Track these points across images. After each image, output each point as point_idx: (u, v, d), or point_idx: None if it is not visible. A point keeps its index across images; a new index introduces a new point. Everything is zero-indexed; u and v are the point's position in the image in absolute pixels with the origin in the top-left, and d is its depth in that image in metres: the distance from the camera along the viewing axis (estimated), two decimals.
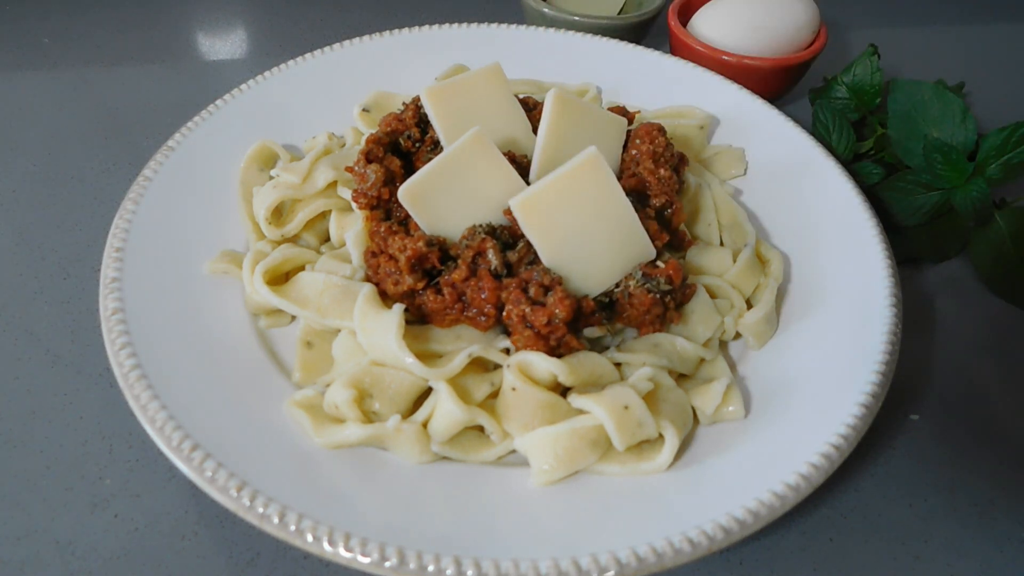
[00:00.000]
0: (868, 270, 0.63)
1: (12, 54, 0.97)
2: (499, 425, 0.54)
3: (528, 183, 0.62)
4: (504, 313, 0.55)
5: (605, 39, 0.88)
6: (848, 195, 0.70)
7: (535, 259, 0.58)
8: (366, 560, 0.45)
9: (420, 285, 0.57)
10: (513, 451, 0.55)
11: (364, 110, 0.78)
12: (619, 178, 0.64)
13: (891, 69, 0.95)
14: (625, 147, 0.67)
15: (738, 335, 0.63)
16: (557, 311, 0.53)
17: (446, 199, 0.59)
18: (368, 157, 0.63)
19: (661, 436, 0.53)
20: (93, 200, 0.78)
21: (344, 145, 0.75)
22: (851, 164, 0.80)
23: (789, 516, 0.52)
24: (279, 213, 0.68)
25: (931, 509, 0.58)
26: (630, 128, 0.68)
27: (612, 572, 0.45)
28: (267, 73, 0.79)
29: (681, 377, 0.60)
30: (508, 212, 0.58)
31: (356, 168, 0.63)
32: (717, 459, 0.54)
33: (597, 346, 0.59)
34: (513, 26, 0.89)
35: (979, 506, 0.58)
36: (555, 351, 0.54)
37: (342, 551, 0.45)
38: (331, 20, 1.08)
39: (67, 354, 0.64)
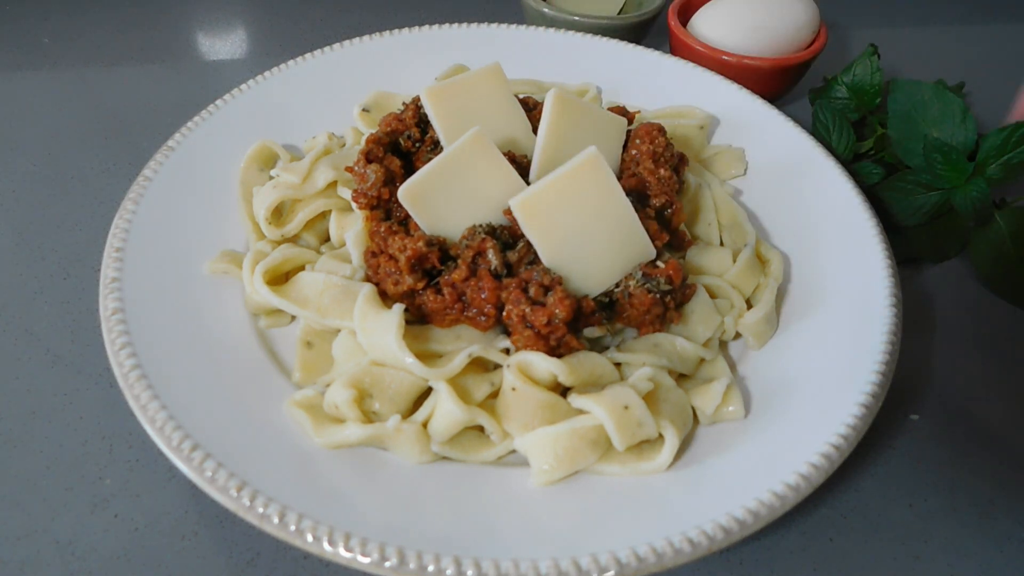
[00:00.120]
0: (868, 270, 0.63)
1: (12, 54, 0.97)
2: (499, 425, 0.54)
3: (528, 183, 0.62)
4: (504, 313, 0.55)
5: (605, 39, 0.88)
6: (848, 195, 0.70)
7: (535, 259, 0.58)
8: (366, 560, 0.45)
9: (420, 285, 0.57)
10: (513, 451, 0.55)
11: (364, 110, 0.78)
12: (619, 178, 0.64)
13: (891, 69, 0.95)
14: (625, 147, 0.67)
15: (738, 335, 0.63)
16: (557, 311, 0.53)
17: (446, 199, 0.59)
18: (368, 157, 0.63)
19: (661, 436, 0.53)
20: (93, 200, 0.78)
21: (344, 145, 0.75)
22: (851, 164, 0.80)
23: (789, 516, 0.52)
24: (279, 213, 0.68)
25: (931, 509, 0.58)
26: (630, 128, 0.68)
27: (612, 572, 0.45)
28: (267, 73, 0.79)
29: (681, 377, 0.60)
30: (508, 212, 0.58)
31: (356, 168, 0.63)
32: (717, 459, 0.54)
33: (597, 346, 0.59)
34: (513, 26, 0.89)
35: (979, 506, 0.58)
36: (555, 351, 0.54)
37: (342, 551, 0.45)
38: (331, 20, 1.08)
39: (67, 354, 0.64)
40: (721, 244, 0.70)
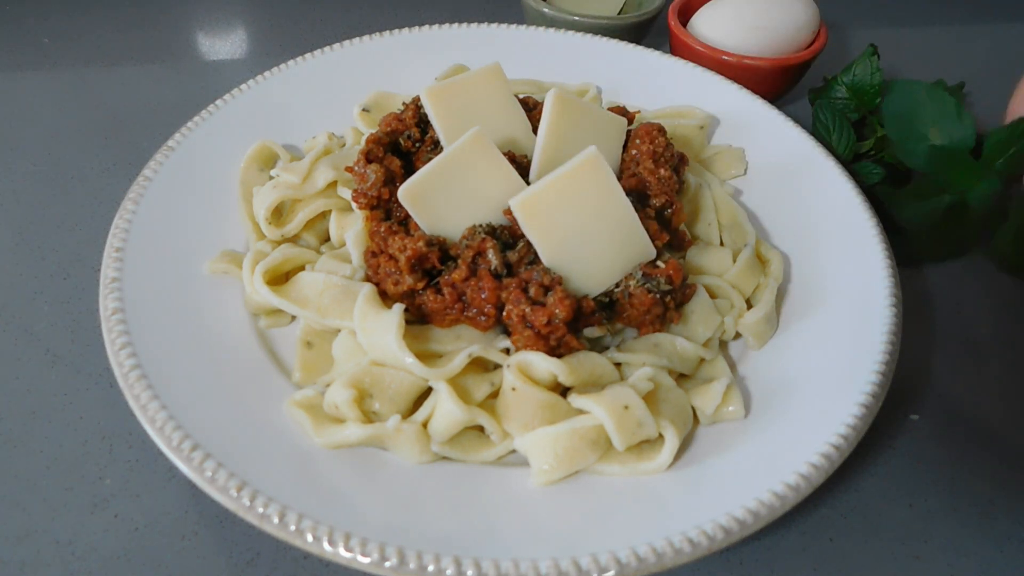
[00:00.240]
0: (868, 270, 0.63)
1: (12, 54, 0.97)
2: (499, 425, 0.54)
3: (528, 183, 0.62)
4: (504, 313, 0.55)
5: (605, 39, 0.88)
6: (848, 195, 0.70)
7: (535, 259, 0.58)
8: (366, 560, 0.45)
9: (420, 285, 0.57)
10: (513, 451, 0.55)
11: (364, 110, 0.78)
12: (619, 178, 0.64)
13: (891, 69, 0.95)
14: (625, 147, 0.67)
15: (738, 335, 0.63)
16: (557, 311, 0.53)
17: (446, 199, 0.59)
18: (368, 157, 0.63)
19: (661, 436, 0.53)
20: (93, 200, 0.78)
21: (344, 145, 0.75)
22: (851, 164, 0.80)
23: (789, 516, 0.52)
24: (279, 213, 0.68)
25: (931, 509, 0.58)
26: (630, 128, 0.68)
27: (612, 572, 0.45)
28: (267, 73, 0.79)
29: (681, 377, 0.60)
30: (508, 212, 0.58)
31: (356, 168, 0.63)
32: (717, 459, 0.54)
33: (597, 346, 0.59)
34: (513, 26, 0.89)
35: (979, 506, 0.58)
36: (555, 351, 0.54)
37: (342, 551, 0.45)
38: (331, 20, 1.08)
39: (67, 354, 0.64)
40: (721, 244, 0.70)
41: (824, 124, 0.82)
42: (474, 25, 0.88)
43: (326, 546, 0.45)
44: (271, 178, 0.70)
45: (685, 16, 0.94)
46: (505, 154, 0.61)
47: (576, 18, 0.91)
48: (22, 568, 0.51)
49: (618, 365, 0.57)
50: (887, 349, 0.57)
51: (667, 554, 0.45)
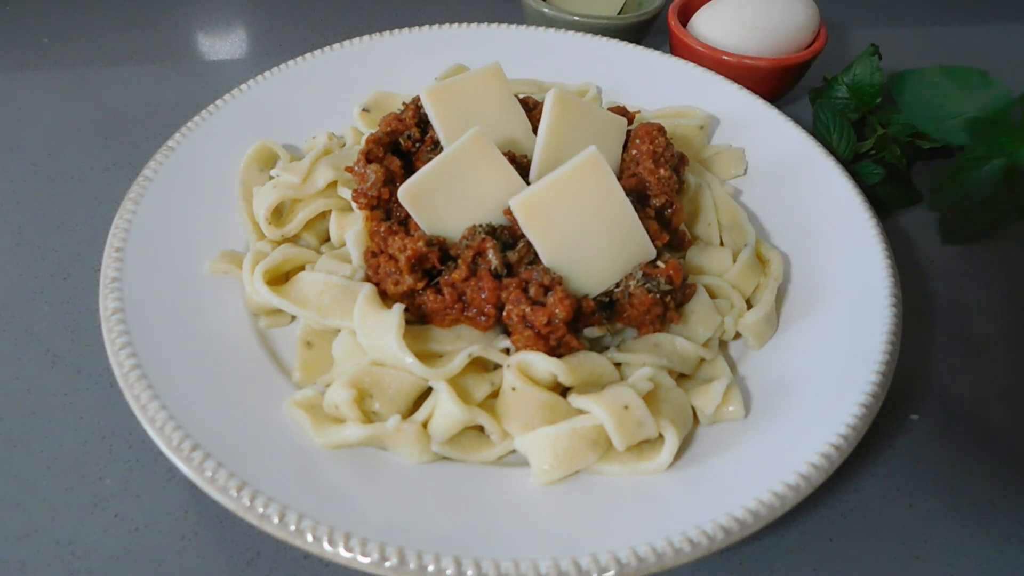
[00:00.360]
0: (868, 270, 0.63)
1: (12, 54, 0.97)
2: (499, 425, 0.54)
3: (528, 183, 0.62)
4: (504, 313, 0.55)
5: (605, 39, 0.88)
6: (848, 195, 0.70)
7: (535, 259, 0.58)
8: (366, 560, 0.45)
9: (420, 285, 0.57)
10: (513, 451, 0.55)
11: (364, 110, 0.78)
12: (619, 178, 0.64)
13: (891, 69, 0.94)
14: (625, 147, 0.67)
15: (738, 335, 0.63)
16: (557, 311, 0.53)
17: (446, 199, 0.59)
18: (368, 157, 0.63)
19: (661, 436, 0.53)
20: (93, 200, 0.78)
21: (344, 145, 0.75)
22: (851, 164, 0.80)
23: (789, 516, 0.52)
24: (279, 213, 0.68)
25: (931, 509, 0.58)
26: (630, 128, 0.68)
27: (612, 572, 0.45)
28: (267, 73, 0.79)
29: (681, 377, 0.60)
30: (508, 212, 0.58)
31: (356, 168, 0.63)
32: (717, 459, 0.54)
33: (597, 346, 0.59)
34: (513, 26, 0.89)
35: (979, 506, 0.58)
36: (555, 351, 0.54)
37: (342, 551, 0.45)
38: (331, 20, 1.08)
39: (67, 354, 0.64)
40: (721, 244, 0.70)
41: (824, 124, 0.82)
42: (474, 25, 0.88)
43: (326, 546, 0.45)
44: (271, 178, 0.70)
45: (685, 16, 0.94)
46: (505, 154, 0.61)
47: (576, 18, 0.91)
48: (22, 568, 0.51)
49: (618, 365, 0.57)
50: (887, 349, 0.57)
51: (667, 554, 0.45)
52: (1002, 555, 0.55)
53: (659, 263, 0.59)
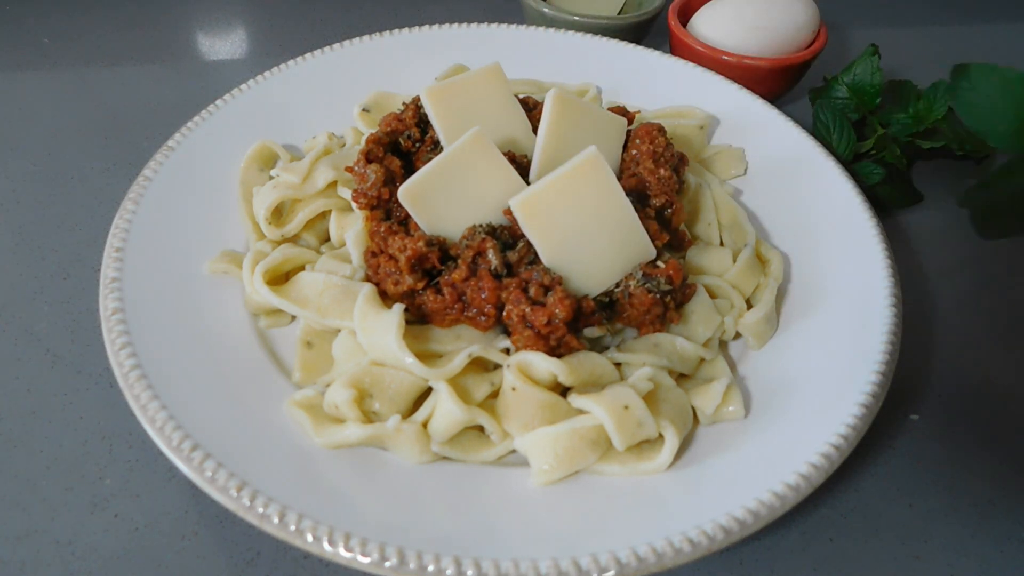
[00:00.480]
0: (868, 270, 0.63)
1: (12, 54, 0.97)
2: (499, 425, 0.54)
3: (528, 183, 0.62)
4: (504, 313, 0.55)
5: (605, 39, 0.88)
6: (848, 195, 0.70)
7: (535, 259, 0.58)
8: (366, 560, 0.45)
9: (420, 285, 0.57)
10: (513, 451, 0.55)
11: (364, 110, 0.78)
12: (619, 178, 0.64)
13: (891, 69, 0.95)
14: (625, 147, 0.67)
15: (738, 335, 0.63)
16: (557, 311, 0.53)
17: (446, 199, 0.59)
18: (368, 157, 0.63)
19: (661, 436, 0.53)
20: (93, 200, 0.78)
21: (344, 145, 0.75)
22: (851, 164, 0.80)
23: (789, 516, 0.52)
24: (279, 213, 0.68)
25: (931, 509, 0.58)
26: (630, 128, 0.68)
27: (612, 572, 0.45)
28: (267, 73, 0.79)
29: (681, 377, 0.60)
30: (508, 212, 0.58)
31: (356, 168, 0.63)
32: (717, 459, 0.54)
33: (597, 346, 0.59)
34: (513, 26, 0.89)
35: (979, 506, 0.58)
36: (555, 351, 0.54)
37: (342, 551, 0.45)
38: (331, 20, 1.08)
39: (67, 354, 0.64)
40: (721, 244, 0.70)
41: (824, 124, 0.82)
42: (474, 25, 0.88)
43: (326, 546, 0.45)
44: (271, 178, 0.70)
45: (685, 16, 0.94)
46: (505, 154, 0.61)
47: (576, 18, 0.91)
48: (22, 568, 0.51)
49: (618, 365, 0.57)
50: (887, 349, 0.57)
51: (667, 554, 0.45)
52: (1002, 555, 0.55)
53: (659, 263, 0.59)
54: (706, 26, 0.89)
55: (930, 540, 0.56)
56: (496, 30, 0.88)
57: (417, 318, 0.58)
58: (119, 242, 0.61)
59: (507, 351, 0.56)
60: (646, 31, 0.96)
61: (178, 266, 0.62)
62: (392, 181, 0.62)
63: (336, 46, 0.83)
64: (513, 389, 0.53)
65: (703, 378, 0.60)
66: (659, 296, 0.57)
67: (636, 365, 0.57)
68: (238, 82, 0.77)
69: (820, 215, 0.70)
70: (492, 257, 0.56)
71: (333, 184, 0.68)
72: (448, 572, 0.44)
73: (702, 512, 0.48)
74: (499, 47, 0.86)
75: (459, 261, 0.57)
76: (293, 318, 0.62)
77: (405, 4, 1.11)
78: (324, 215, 0.68)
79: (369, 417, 0.54)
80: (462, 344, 0.57)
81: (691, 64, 0.85)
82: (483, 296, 0.56)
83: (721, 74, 0.83)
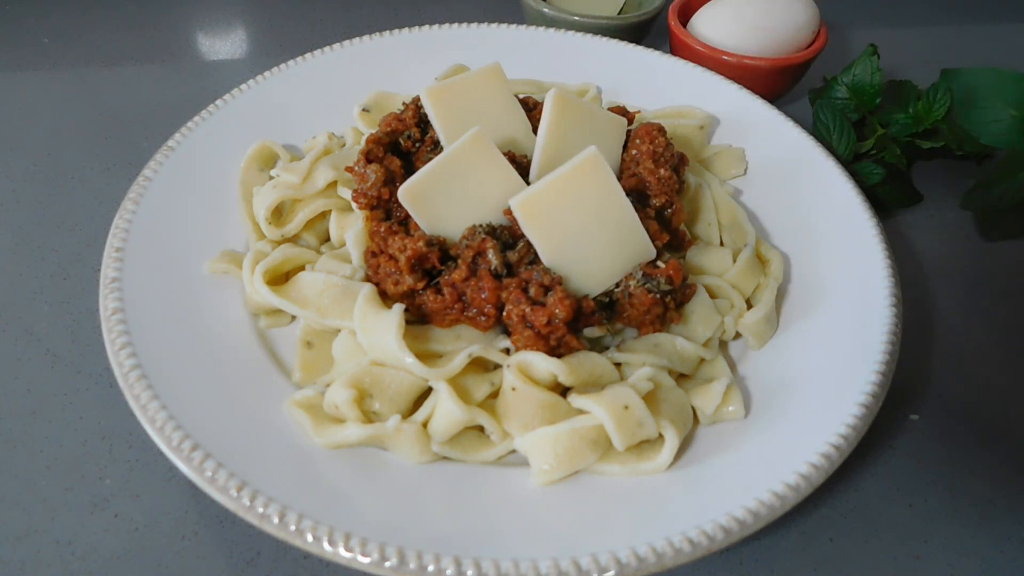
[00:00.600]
0: (868, 270, 0.63)
1: (12, 54, 0.97)
2: (499, 425, 0.54)
3: (528, 183, 0.62)
4: (504, 313, 0.55)
5: (605, 39, 0.88)
6: (848, 195, 0.70)
7: (535, 259, 0.58)
8: (366, 560, 0.45)
9: (420, 285, 0.57)
10: (513, 451, 0.55)
11: (364, 110, 0.78)
12: (619, 178, 0.64)
13: (891, 69, 0.95)
14: (625, 147, 0.67)
15: (738, 335, 0.63)
16: (557, 311, 0.53)
17: (446, 199, 0.59)
18: (368, 157, 0.63)
19: (661, 436, 0.53)
20: (93, 200, 0.78)
21: (344, 145, 0.75)
22: (851, 164, 0.80)
23: (789, 516, 0.52)
24: (279, 213, 0.68)
25: (931, 509, 0.58)
26: (630, 128, 0.68)
27: (612, 572, 0.45)
28: (267, 73, 0.79)
29: (681, 377, 0.60)
30: (508, 212, 0.58)
31: (356, 168, 0.63)
32: (717, 459, 0.54)
33: (597, 346, 0.59)
34: (513, 26, 0.89)
35: (979, 506, 0.58)
36: (555, 351, 0.54)
37: (342, 551, 0.45)
38: (331, 20, 1.08)
39: (67, 354, 0.64)
40: (721, 244, 0.70)
41: (824, 124, 0.82)
42: (474, 25, 0.88)
43: (326, 546, 0.45)
44: (271, 178, 0.70)
45: (685, 16, 0.94)
46: (505, 154, 0.61)
47: (576, 18, 0.91)
48: (22, 568, 0.51)
49: (618, 365, 0.57)
50: (887, 349, 0.57)
51: (667, 554, 0.45)
52: (1002, 555, 0.55)
53: (659, 263, 0.59)
54: (706, 26, 0.89)
55: (930, 540, 0.56)
56: (496, 30, 0.88)
57: (417, 318, 0.58)
58: (119, 242, 0.61)
59: (507, 351, 0.56)
60: (646, 31, 0.96)
61: (178, 266, 0.62)
62: (392, 181, 0.62)
63: (336, 46, 0.83)
64: (513, 389, 0.53)
65: (703, 378, 0.60)
66: (659, 296, 0.57)
67: (636, 365, 0.57)
68: (238, 82, 0.77)
69: (820, 215, 0.70)
70: (492, 257, 0.56)
71: (333, 184, 0.68)
72: (448, 572, 0.44)
73: (702, 512, 0.48)
74: (499, 47, 0.86)
75: (459, 261, 0.57)
76: (293, 318, 0.62)
77: (405, 4, 1.11)
78: (324, 215, 0.68)
79: (369, 417, 0.54)
80: (462, 344, 0.57)
81: (691, 64, 0.85)
82: (483, 296, 0.55)
83: (721, 74, 0.83)
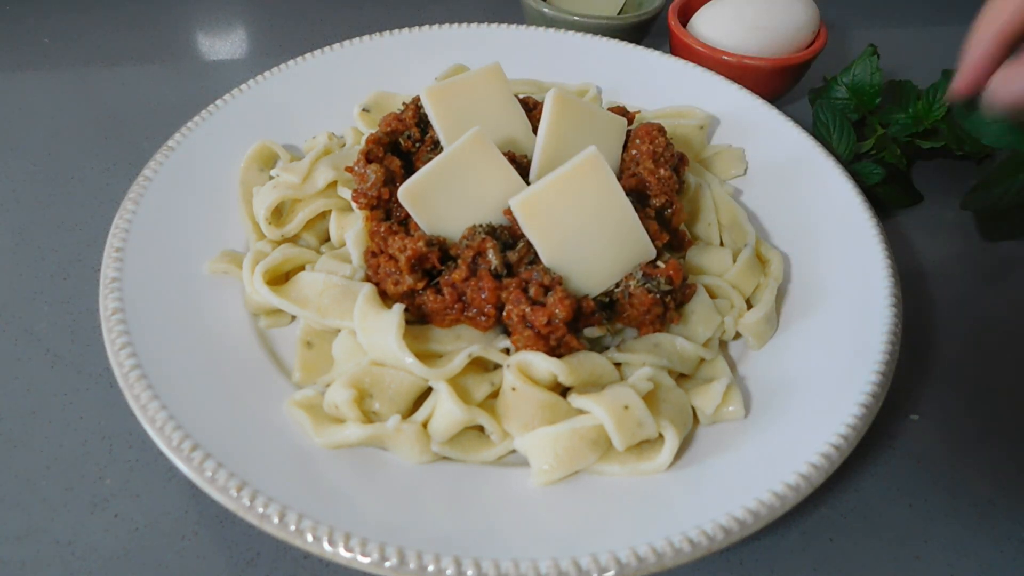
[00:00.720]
0: (868, 270, 0.63)
1: (12, 54, 0.97)
2: (499, 425, 0.54)
3: (528, 183, 0.62)
4: (504, 313, 0.55)
5: (605, 39, 0.88)
6: (848, 195, 0.70)
7: (535, 259, 0.58)
8: (366, 560, 0.45)
9: (420, 285, 0.57)
10: (513, 451, 0.55)
11: (364, 110, 0.78)
12: (619, 178, 0.64)
13: (891, 69, 0.95)
14: (625, 147, 0.67)
15: (738, 335, 0.63)
16: (557, 311, 0.53)
17: (446, 199, 0.59)
18: (368, 157, 0.63)
19: (661, 436, 0.53)
20: (93, 200, 0.78)
21: (344, 145, 0.75)
22: (851, 164, 0.80)
23: (789, 516, 0.52)
24: (279, 213, 0.68)
25: (931, 509, 0.58)
26: (630, 128, 0.68)
27: (612, 572, 0.45)
28: (267, 73, 0.79)
29: (681, 377, 0.60)
30: (508, 212, 0.58)
31: (356, 168, 0.63)
32: (717, 459, 0.54)
33: (597, 346, 0.59)
34: (513, 26, 0.89)
35: (979, 506, 0.58)
36: (555, 351, 0.54)
37: (342, 551, 0.45)
38: (331, 20, 1.08)
39: (67, 354, 0.64)
40: (721, 244, 0.70)
41: (824, 124, 0.82)
42: (474, 25, 0.88)
43: (326, 546, 0.45)
44: (271, 178, 0.70)
45: (685, 16, 0.94)
46: (505, 154, 0.61)
47: (576, 18, 0.91)
48: (22, 568, 0.51)
49: (618, 365, 0.57)
50: (887, 349, 0.57)
51: (667, 554, 0.45)
52: (1002, 555, 0.55)
53: (659, 263, 0.59)
54: (706, 26, 0.89)
55: (930, 540, 0.56)
56: (496, 30, 0.88)
57: (417, 318, 0.58)
58: (119, 242, 0.61)
59: (507, 351, 0.56)
60: (646, 31, 0.96)
61: (178, 266, 0.62)
62: (392, 181, 0.62)
63: (336, 46, 0.83)
64: (513, 389, 0.53)
65: (703, 378, 0.60)
66: (659, 296, 0.57)
67: (636, 365, 0.57)
68: (238, 82, 0.77)
69: (820, 215, 0.70)
70: (492, 257, 0.56)
71: (333, 184, 0.68)
72: (448, 572, 0.44)
73: (702, 512, 0.48)
74: (499, 47, 0.86)
75: (459, 261, 0.57)
76: (293, 318, 0.62)
77: (405, 4, 1.11)
78: (324, 215, 0.68)
79: (369, 417, 0.54)
80: (462, 344, 0.57)
81: (691, 64, 0.85)
82: (483, 296, 0.56)
83: (721, 74, 0.83)
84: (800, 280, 0.67)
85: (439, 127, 0.65)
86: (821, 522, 0.57)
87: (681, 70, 0.85)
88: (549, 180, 0.56)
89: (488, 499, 0.51)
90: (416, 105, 0.69)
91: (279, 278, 0.63)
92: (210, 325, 0.59)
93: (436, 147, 0.66)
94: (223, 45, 1.02)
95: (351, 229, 0.63)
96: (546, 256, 0.56)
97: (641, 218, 0.59)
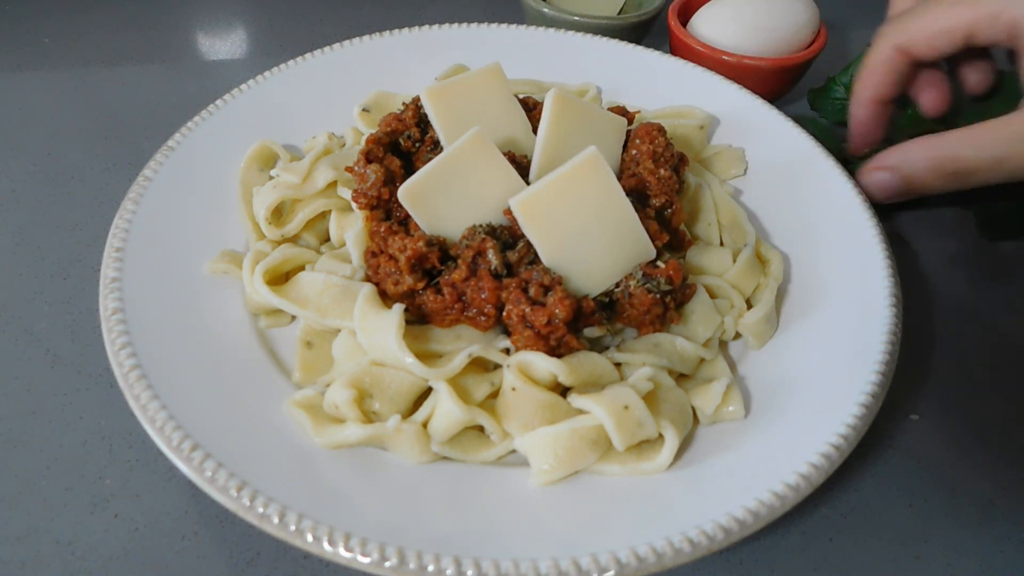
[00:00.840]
0: (868, 270, 0.63)
1: (12, 54, 0.97)
2: (499, 425, 0.54)
3: (528, 183, 0.62)
4: (504, 313, 0.55)
5: (605, 39, 0.88)
6: (848, 195, 0.70)
7: (535, 259, 0.58)
8: (366, 560, 0.45)
9: (420, 285, 0.57)
10: (513, 451, 0.55)
11: (364, 110, 0.78)
12: (619, 178, 0.64)
13: None
14: (625, 147, 0.67)
15: (738, 335, 0.63)
16: (557, 311, 0.53)
17: (446, 199, 0.59)
18: (368, 157, 0.63)
19: (661, 436, 0.53)
20: (93, 200, 0.78)
21: (344, 145, 0.75)
22: (851, 164, 0.80)
23: (789, 516, 0.52)
24: (279, 213, 0.68)
25: (931, 509, 0.58)
26: (630, 128, 0.68)
27: (612, 572, 0.45)
28: (267, 73, 0.79)
29: (681, 377, 0.60)
30: (508, 212, 0.58)
31: (356, 168, 0.63)
32: (717, 459, 0.54)
33: (597, 346, 0.59)
34: (513, 26, 0.89)
35: (979, 506, 0.58)
36: (555, 351, 0.54)
37: (342, 551, 0.45)
38: (331, 20, 1.08)
39: (67, 354, 0.64)
40: (721, 244, 0.70)
41: (824, 124, 0.82)
42: (474, 25, 0.88)
43: (326, 546, 0.45)
44: (271, 178, 0.70)
45: (685, 16, 0.94)
46: (505, 154, 0.61)
47: (576, 18, 0.91)
48: (22, 568, 0.51)
49: (618, 365, 0.57)
50: (887, 349, 0.57)
51: (667, 554, 0.45)
52: (1002, 555, 0.55)
53: (659, 263, 0.59)
54: (706, 26, 0.89)
55: (930, 540, 0.56)
56: (496, 30, 0.88)
57: (417, 318, 0.58)
58: (119, 242, 0.61)
59: (507, 351, 0.56)
60: (646, 31, 0.96)
61: (178, 266, 0.62)
62: (392, 181, 0.62)
63: (336, 46, 0.83)
64: (513, 389, 0.53)
65: (703, 378, 0.60)
66: (659, 296, 0.57)
67: (636, 365, 0.57)
68: (238, 82, 0.77)
69: (820, 215, 0.70)
70: (492, 257, 0.56)
71: (333, 184, 0.68)
72: (448, 572, 0.44)
73: (702, 512, 0.48)
74: (499, 47, 0.86)
75: (459, 261, 0.57)
76: (293, 318, 0.62)
77: (405, 4, 1.11)
78: (324, 215, 0.68)
79: (369, 417, 0.54)
80: (462, 344, 0.57)
81: (691, 64, 0.85)
82: (483, 296, 0.55)
83: (721, 74, 0.83)
84: (800, 280, 0.67)
85: (439, 127, 0.65)
86: (821, 522, 0.57)
87: (681, 70, 0.85)
88: (549, 180, 0.56)
89: (488, 499, 0.51)
90: (416, 105, 0.69)
91: (279, 278, 0.63)
92: (210, 325, 0.59)
93: (436, 147, 0.66)
94: (223, 45, 1.02)
95: (351, 229, 0.63)
96: (546, 256, 0.56)
97: (641, 218, 0.59)
